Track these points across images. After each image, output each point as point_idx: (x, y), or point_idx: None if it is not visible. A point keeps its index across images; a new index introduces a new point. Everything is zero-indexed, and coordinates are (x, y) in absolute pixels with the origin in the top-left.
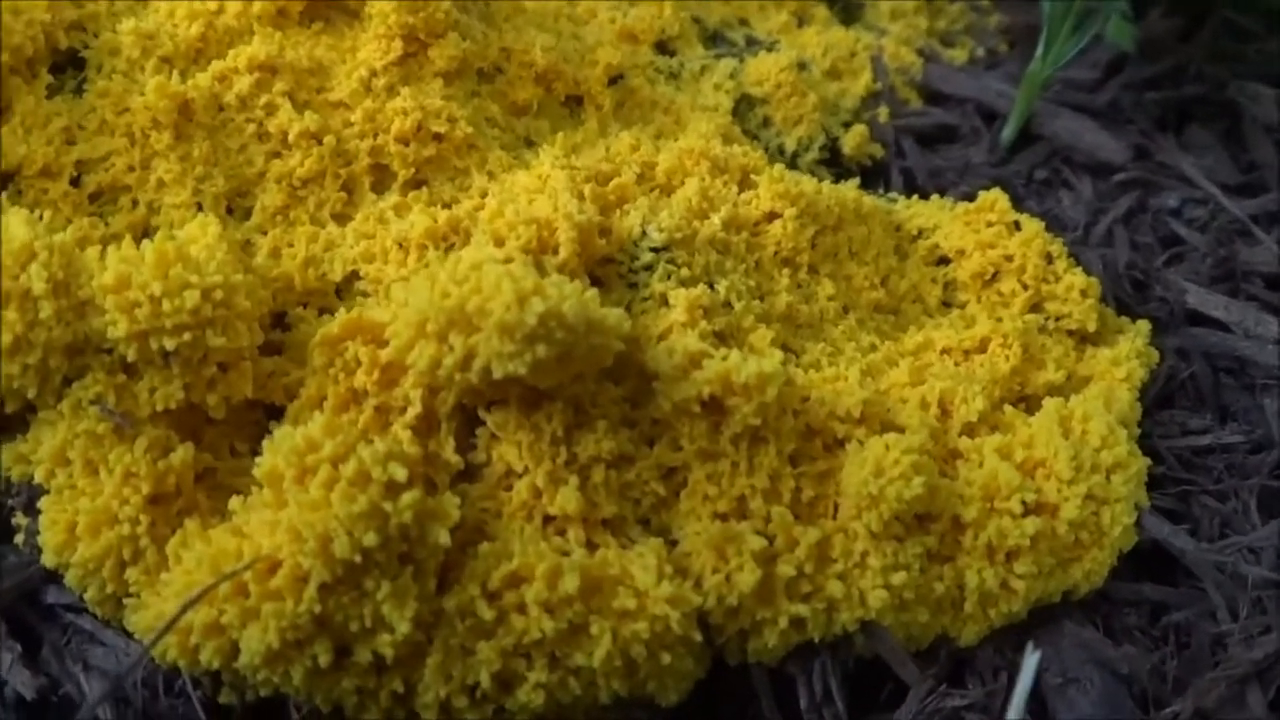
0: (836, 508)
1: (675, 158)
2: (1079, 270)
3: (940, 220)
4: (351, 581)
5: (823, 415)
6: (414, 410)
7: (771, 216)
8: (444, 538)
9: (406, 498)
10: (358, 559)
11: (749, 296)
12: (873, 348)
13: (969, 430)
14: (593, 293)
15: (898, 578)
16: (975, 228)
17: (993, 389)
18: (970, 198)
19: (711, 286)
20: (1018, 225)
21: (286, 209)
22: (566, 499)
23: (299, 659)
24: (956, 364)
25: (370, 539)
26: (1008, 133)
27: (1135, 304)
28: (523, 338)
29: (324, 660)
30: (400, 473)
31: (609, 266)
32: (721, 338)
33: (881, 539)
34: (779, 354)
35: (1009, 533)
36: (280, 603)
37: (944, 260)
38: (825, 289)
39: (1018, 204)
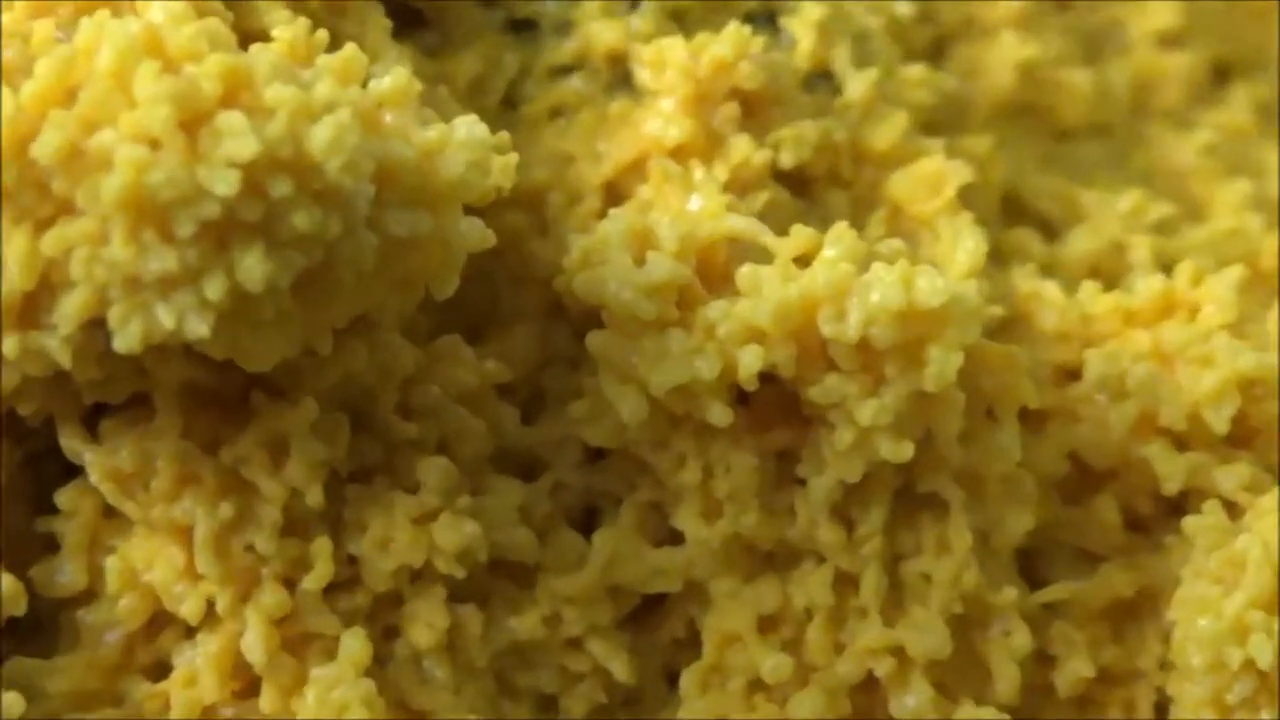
0: (1163, 708)
1: None
2: None
3: None
4: None
5: (1125, 427)
6: None
7: None
8: None
9: None
10: None
11: (885, 48)
12: None
13: None
14: (397, 79)
15: None
16: None
17: None
18: None
19: (773, 21)
20: None
21: None
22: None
23: None
24: None
25: None
26: None
27: None
28: (197, 233)
29: None
30: None
31: None
32: (804, 188)
33: None
34: (979, 239)
35: None
36: None
37: None
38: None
39: None
